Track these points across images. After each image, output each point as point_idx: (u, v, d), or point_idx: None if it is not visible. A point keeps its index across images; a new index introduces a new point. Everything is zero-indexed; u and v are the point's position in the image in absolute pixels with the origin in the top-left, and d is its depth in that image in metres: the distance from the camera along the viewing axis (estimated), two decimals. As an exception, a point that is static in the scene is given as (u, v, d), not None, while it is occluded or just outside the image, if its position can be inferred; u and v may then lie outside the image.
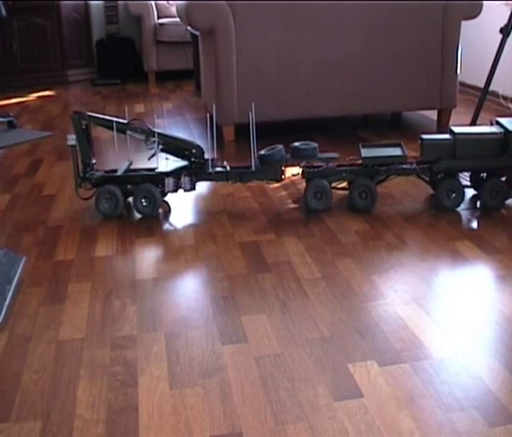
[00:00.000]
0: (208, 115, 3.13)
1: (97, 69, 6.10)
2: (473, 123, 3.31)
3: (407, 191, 2.69)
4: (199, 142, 2.66)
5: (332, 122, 3.95)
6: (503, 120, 2.52)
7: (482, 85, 3.40)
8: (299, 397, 1.41)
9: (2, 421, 1.38)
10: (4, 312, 1.80)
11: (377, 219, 2.41)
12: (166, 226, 2.43)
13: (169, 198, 2.71)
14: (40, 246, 2.29)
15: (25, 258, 2.15)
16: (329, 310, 1.77)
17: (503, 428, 1.29)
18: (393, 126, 3.93)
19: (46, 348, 1.65)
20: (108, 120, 2.53)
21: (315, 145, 2.50)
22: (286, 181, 2.85)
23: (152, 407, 1.40)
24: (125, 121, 2.55)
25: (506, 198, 2.45)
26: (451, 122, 3.76)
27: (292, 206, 2.57)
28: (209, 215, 2.53)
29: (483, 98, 3.36)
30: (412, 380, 1.45)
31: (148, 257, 2.16)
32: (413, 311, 1.74)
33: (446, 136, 2.49)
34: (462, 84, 4.62)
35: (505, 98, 4.19)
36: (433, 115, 3.92)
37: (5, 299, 1.86)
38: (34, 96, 5.46)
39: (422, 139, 2.47)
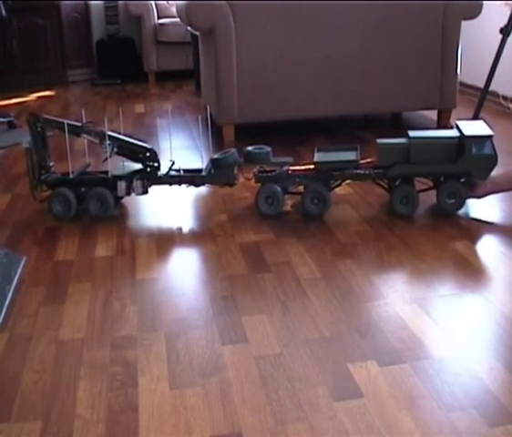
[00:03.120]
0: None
1: (98, 69, 6.10)
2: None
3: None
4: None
5: (332, 122, 3.95)
6: (461, 124, 2.44)
7: (482, 85, 3.40)
8: (299, 397, 1.41)
9: (2, 421, 1.38)
10: (4, 312, 1.80)
11: (377, 220, 2.41)
12: (166, 226, 2.43)
13: (166, 198, 2.71)
14: (40, 246, 2.29)
15: (25, 258, 2.15)
16: (329, 310, 1.77)
17: (503, 428, 1.29)
18: (393, 126, 3.93)
19: (46, 348, 1.65)
20: (61, 123, 2.54)
21: (268, 149, 2.48)
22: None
23: (152, 407, 1.40)
24: (78, 124, 2.55)
25: (464, 202, 2.38)
26: (451, 122, 3.75)
27: (292, 206, 2.57)
28: (209, 215, 2.53)
29: (483, 98, 3.36)
30: (412, 380, 1.45)
31: (148, 257, 2.16)
32: (413, 311, 1.74)
33: (402, 140, 2.43)
34: (462, 84, 4.62)
35: (505, 98, 4.19)
36: (433, 115, 3.92)
37: (5, 300, 1.86)
38: (34, 96, 5.46)
39: (377, 143, 2.42)
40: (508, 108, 4.12)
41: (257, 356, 1.57)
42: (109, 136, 2.49)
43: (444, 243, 2.17)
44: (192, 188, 2.57)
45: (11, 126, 4.17)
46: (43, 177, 2.55)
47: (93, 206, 2.48)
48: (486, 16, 4.21)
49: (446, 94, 3.67)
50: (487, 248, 2.13)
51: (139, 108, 4.73)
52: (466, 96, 4.51)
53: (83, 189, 2.52)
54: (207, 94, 3.91)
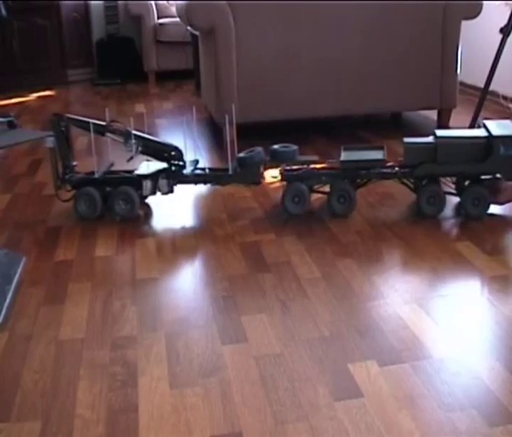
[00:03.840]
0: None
1: (97, 69, 6.10)
2: (473, 123, 3.31)
3: (408, 191, 2.68)
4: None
5: (332, 122, 3.95)
6: (489, 124, 2.42)
7: (482, 85, 3.40)
8: (299, 397, 1.41)
9: (2, 421, 1.38)
10: (4, 312, 1.80)
11: (378, 219, 2.41)
12: (166, 226, 2.43)
13: (169, 198, 2.71)
14: (40, 246, 2.29)
15: (25, 258, 2.15)
16: (329, 310, 1.77)
17: (503, 428, 1.29)
18: (393, 126, 3.93)
19: (46, 348, 1.65)
20: (86, 122, 2.52)
21: (295, 147, 2.47)
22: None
23: (152, 407, 1.40)
24: (103, 123, 2.54)
25: (489, 207, 2.37)
26: (451, 122, 3.76)
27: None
28: (210, 215, 2.53)
29: (483, 98, 3.36)
30: (412, 380, 1.45)
31: (148, 257, 2.16)
32: (413, 311, 1.74)
33: (429, 139, 2.41)
34: (462, 84, 4.62)
35: (505, 98, 4.19)
36: (433, 115, 3.92)
37: (5, 299, 1.86)
38: (34, 96, 5.46)
39: (404, 143, 2.41)
40: (508, 108, 4.12)
41: (257, 356, 1.57)
42: (135, 135, 2.49)
43: (444, 243, 2.17)
44: (194, 187, 2.57)
45: (11, 126, 4.17)
46: (67, 177, 2.54)
47: (118, 205, 2.47)
48: (486, 16, 4.21)
49: (446, 94, 3.66)
50: (488, 247, 2.13)
51: (139, 108, 4.74)
52: (466, 96, 4.51)
53: (108, 189, 2.51)
54: (207, 94, 3.91)
